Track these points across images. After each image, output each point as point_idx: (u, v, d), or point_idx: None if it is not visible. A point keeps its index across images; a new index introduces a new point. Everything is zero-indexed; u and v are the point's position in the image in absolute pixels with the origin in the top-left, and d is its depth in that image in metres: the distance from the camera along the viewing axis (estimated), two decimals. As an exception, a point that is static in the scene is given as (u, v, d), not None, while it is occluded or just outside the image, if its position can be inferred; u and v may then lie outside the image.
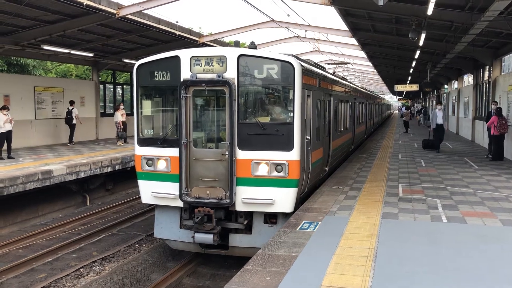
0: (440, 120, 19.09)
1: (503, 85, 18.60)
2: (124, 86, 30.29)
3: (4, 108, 15.36)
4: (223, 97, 8.95)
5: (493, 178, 12.43)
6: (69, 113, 20.29)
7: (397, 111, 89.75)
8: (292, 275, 5.51)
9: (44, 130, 20.56)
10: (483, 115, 21.44)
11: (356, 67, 41.17)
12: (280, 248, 6.52)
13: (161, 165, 9.30)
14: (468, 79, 29.35)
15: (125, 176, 17.40)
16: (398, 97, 78.46)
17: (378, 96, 46.86)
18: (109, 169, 15.98)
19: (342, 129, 15.41)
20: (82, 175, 14.68)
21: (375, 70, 41.02)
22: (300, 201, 9.47)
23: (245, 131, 8.80)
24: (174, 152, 9.05)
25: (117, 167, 16.33)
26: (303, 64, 9.62)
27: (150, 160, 9.40)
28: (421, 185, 11.43)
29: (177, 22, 20.03)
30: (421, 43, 17.90)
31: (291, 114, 8.85)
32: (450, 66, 27.15)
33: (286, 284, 5.25)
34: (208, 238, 8.87)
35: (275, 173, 8.74)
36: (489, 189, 10.94)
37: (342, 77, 22.06)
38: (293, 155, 8.72)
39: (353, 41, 23.57)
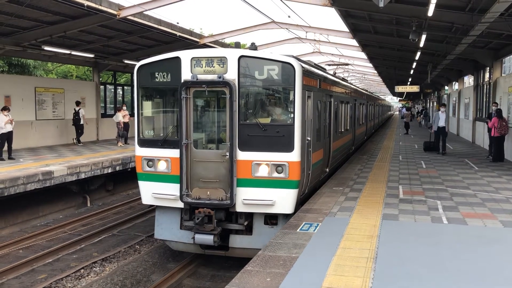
0: (442, 123, 18.66)
1: (503, 87, 18.60)
2: (125, 87, 30.31)
3: (5, 109, 15.37)
4: (223, 98, 8.96)
5: (494, 180, 12.43)
6: (76, 114, 20.68)
7: (397, 112, 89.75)
8: (293, 276, 5.50)
9: (45, 131, 20.57)
10: (484, 116, 21.43)
11: (356, 68, 41.16)
12: (281, 249, 6.52)
13: (162, 166, 9.31)
14: (469, 80, 29.38)
15: (125, 177, 17.41)
16: (398, 98, 78.45)
17: (379, 97, 46.86)
18: (110, 170, 15.99)
19: (342, 130, 15.42)
20: (82, 176, 14.69)
21: (375, 71, 41.04)
22: (300, 202, 9.47)
23: (245, 132, 8.80)
24: (174, 153, 9.05)
25: (117, 168, 16.34)
26: (304, 65, 9.63)
27: (150, 161, 9.40)
28: (421, 186, 11.43)
29: (178, 23, 20.08)
30: (421, 44, 17.92)
31: (292, 115, 8.86)
32: (451, 68, 27.16)
33: (286, 285, 5.25)
34: (208, 239, 8.87)
35: (275, 174, 8.75)
36: (489, 190, 10.94)
37: (343, 78, 22.08)
38: (294, 156, 8.72)
39: (354, 42, 23.58)
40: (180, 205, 9.14)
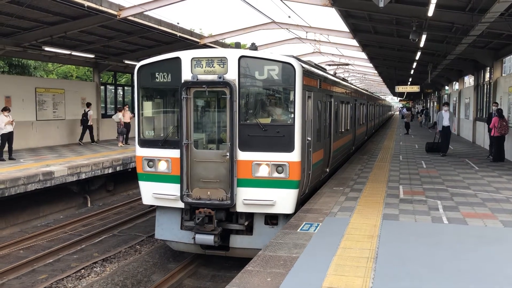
0: (446, 122, 18.12)
1: (504, 86, 18.60)
2: (125, 88, 30.31)
3: (5, 109, 15.38)
4: (224, 99, 8.96)
5: (494, 179, 12.43)
6: (85, 114, 21.05)
7: (397, 112, 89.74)
8: (293, 276, 5.51)
9: (45, 131, 20.58)
10: (484, 116, 21.42)
11: (357, 69, 41.18)
12: (281, 249, 6.52)
13: (162, 166, 9.31)
14: (469, 80, 29.38)
15: (126, 177, 17.41)
16: (399, 98, 78.47)
17: (379, 97, 46.85)
18: (110, 170, 15.99)
19: (343, 130, 15.42)
20: (83, 176, 14.69)
21: (375, 72, 41.04)
22: (301, 202, 9.47)
23: (246, 132, 8.81)
24: (175, 153, 9.06)
25: (118, 168, 16.34)
26: (304, 65, 9.63)
27: (151, 161, 9.41)
28: (422, 186, 11.43)
29: (178, 23, 20.07)
30: (421, 45, 17.92)
31: (292, 116, 8.86)
32: (451, 67, 27.16)
33: (287, 285, 5.25)
34: (209, 239, 8.88)
35: (276, 174, 8.75)
36: (490, 190, 10.94)
37: (343, 78, 22.09)
38: (294, 156, 8.72)
39: (354, 42, 23.59)
40: (181, 205, 9.14)
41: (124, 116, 20.97)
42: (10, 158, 15.39)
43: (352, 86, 21.29)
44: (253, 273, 5.68)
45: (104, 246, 11.72)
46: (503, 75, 20.02)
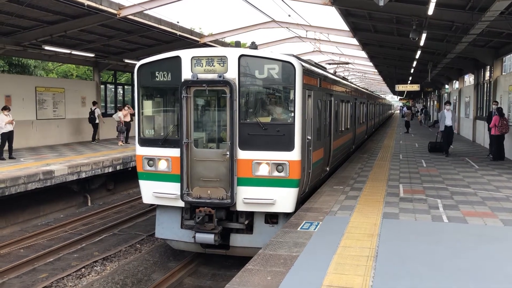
0: (449, 122, 17.58)
1: (504, 85, 18.59)
2: (125, 87, 30.31)
3: (5, 108, 15.38)
4: (224, 97, 8.97)
5: (494, 178, 12.43)
6: (92, 113, 21.40)
7: (398, 111, 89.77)
8: (293, 275, 5.52)
9: (46, 130, 20.58)
10: (484, 115, 21.42)
11: (357, 67, 41.17)
12: (281, 248, 6.53)
13: (162, 165, 9.32)
14: (469, 79, 29.35)
15: (126, 176, 17.42)
16: (399, 97, 78.48)
17: (379, 96, 46.85)
18: (110, 169, 16.00)
19: (343, 129, 15.42)
20: (83, 175, 14.70)
21: (376, 70, 41.03)
22: (301, 201, 9.47)
23: (246, 131, 8.81)
24: (175, 152, 9.06)
25: (118, 167, 16.35)
26: (304, 64, 9.63)
27: (151, 160, 9.42)
28: (422, 185, 11.43)
29: (178, 22, 20.05)
30: (421, 43, 17.91)
31: (292, 114, 8.86)
32: (451, 66, 27.15)
33: (287, 284, 5.26)
34: (209, 238, 8.89)
35: (276, 173, 8.75)
36: (490, 189, 10.94)
37: (343, 77, 22.05)
38: (294, 155, 8.73)
39: (354, 41, 23.58)
40: (181, 204, 9.15)
41: (125, 115, 20.98)
42: (10, 157, 15.40)
43: (352, 85, 21.28)
44: (253, 272, 5.68)
45: (104, 245, 11.73)
46: (503, 73, 20.00)
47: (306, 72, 9.44)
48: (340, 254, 6.22)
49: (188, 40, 21.00)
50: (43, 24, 17.14)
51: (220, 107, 9.28)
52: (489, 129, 16.52)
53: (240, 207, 8.91)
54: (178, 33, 19.84)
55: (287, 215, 8.85)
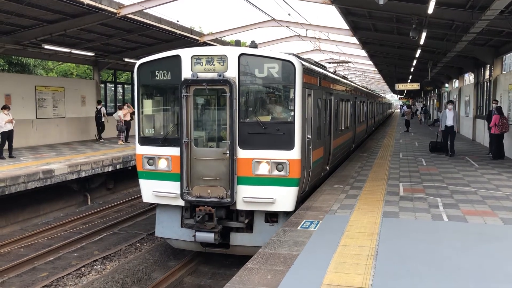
0: (450, 122, 17.07)
1: (504, 84, 18.59)
2: (125, 86, 30.31)
3: (5, 107, 15.38)
4: (224, 96, 8.96)
5: (494, 177, 12.44)
6: (98, 112, 21.87)
7: (398, 110, 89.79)
8: (293, 274, 5.52)
9: (45, 129, 20.57)
10: (484, 114, 21.41)
11: (356, 66, 41.15)
12: (281, 247, 6.53)
13: (162, 164, 9.32)
14: (469, 77, 29.35)
15: (126, 175, 17.42)
16: (399, 96, 78.45)
17: (379, 95, 46.84)
18: (110, 168, 16.00)
19: (343, 128, 15.42)
20: (83, 174, 14.70)
21: (375, 69, 41.02)
22: (301, 200, 9.47)
23: (246, 130, 8.81)
24: (175, 151, 9.06)
25: (118, 166, 16.35)
26: (304, 63, 9.62)
27: (151, 159, 9.41)
28: (422, 183, 11.44)
29: (178, 21, 20.04)
30: (421, 42, 17.89)
31: (292, 113, 8.86)
32: (451, 65, 27.14)
33: (287, 283, 5.26)
34: (209, 237, 8.89)
35: (276, 172, 8.75)
36: (490, 187, 10.94)
37: (343, 76, 22.05)
38: (294, 154, 8.73)
39: (354, 40, 23.56)
40: (181, 203, 9.15)
41: (124, 114, 20.98)
42: (10, 156, 15.40)
43: (352, 84, 21.27)
44: (253, 270, 5.68)
45: (104, 244, 11.73)
46: (503, 72, 20.00)
47: (306, 71, 9.44)
48: (340, 253, 6.23)
49: (188, 39, 20.99)
50: (42, 23, 17.13)
51: (220, 106, 9.28)
52: (489, 128, 16.51)
53: (240, 206, 8.91)
54: (178, 32, 19.83)
55: (287, 214, 8.85)
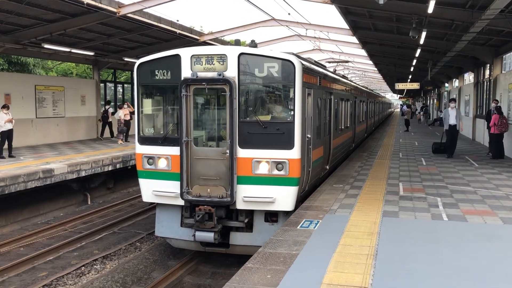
0: (453, 120, 16.58)
1: (504, 84, 18.59)
2: (125, 85, 30.30)
3: (5, 107, 15.37)
4: (223, 96, 8.96)
5: (494, 176, 12.44)
6: (105, 112, 22.41)
7: (398, 110, 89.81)
8: (293, 273, 5.52)
9: (45, 129, 20.57)
10: (484, 113, 21.41)
11: (356, 66, 41.16)
12: (281, 246, 6.53)
13: (162, 164, 9.31)
14: (469, 77, 29.34)
15: (126, 174, 17.41)
16: (399, 96, 78.46)
17: (379, 95, 46.81)
18: (110, 168, 16.00)
19: (342, 127, 15.41)
20: (83, 173, 14.69)
21: (375, 69, 41.02)
22: (300, 199, 9.47)
23: (245, 130, 8.81)
24: (175, 150, 9.06)
25: (118, 166, 16.34)
26: (304, 62, 9.62)
27: (151, 158, 9.41)
28: (421, 183, 11.44)
29: (177, 20, 20.02)
30: (421, 42, 17.89)
31: (292, 113, 8.86)
32: (451, 65, 27.14)
33: (286, 282, 5.26)
34: (209, 236, 8.88)
35: (275, 172, 8.75)
36: (489, 187, 10.94)
37: (343, 75, 22.04)
38: (294, 153, 8.72)
39: (354, 39, 23.57)
40: (181, 202, 9.15)
41: (125, 114, 21.00)
42: (10, 156, 15.39)
43: (352, 83, 21.27)
44: (253, 270, 5.68)
45: (104, 244, 11.73)
46: (503, 72, 20.00)
47: (306, 71, 9.43)
48: (339, 252, 6.23)
49: (188, 39, 20.98)
50: (42, 22, 17.11)
51: (220, 106, 9.27)
52: (489, 128, 16.50)
53: (240, 205, 8.91)
54: (178, 31, 19.81)
55: (287, 214, 8.85)
